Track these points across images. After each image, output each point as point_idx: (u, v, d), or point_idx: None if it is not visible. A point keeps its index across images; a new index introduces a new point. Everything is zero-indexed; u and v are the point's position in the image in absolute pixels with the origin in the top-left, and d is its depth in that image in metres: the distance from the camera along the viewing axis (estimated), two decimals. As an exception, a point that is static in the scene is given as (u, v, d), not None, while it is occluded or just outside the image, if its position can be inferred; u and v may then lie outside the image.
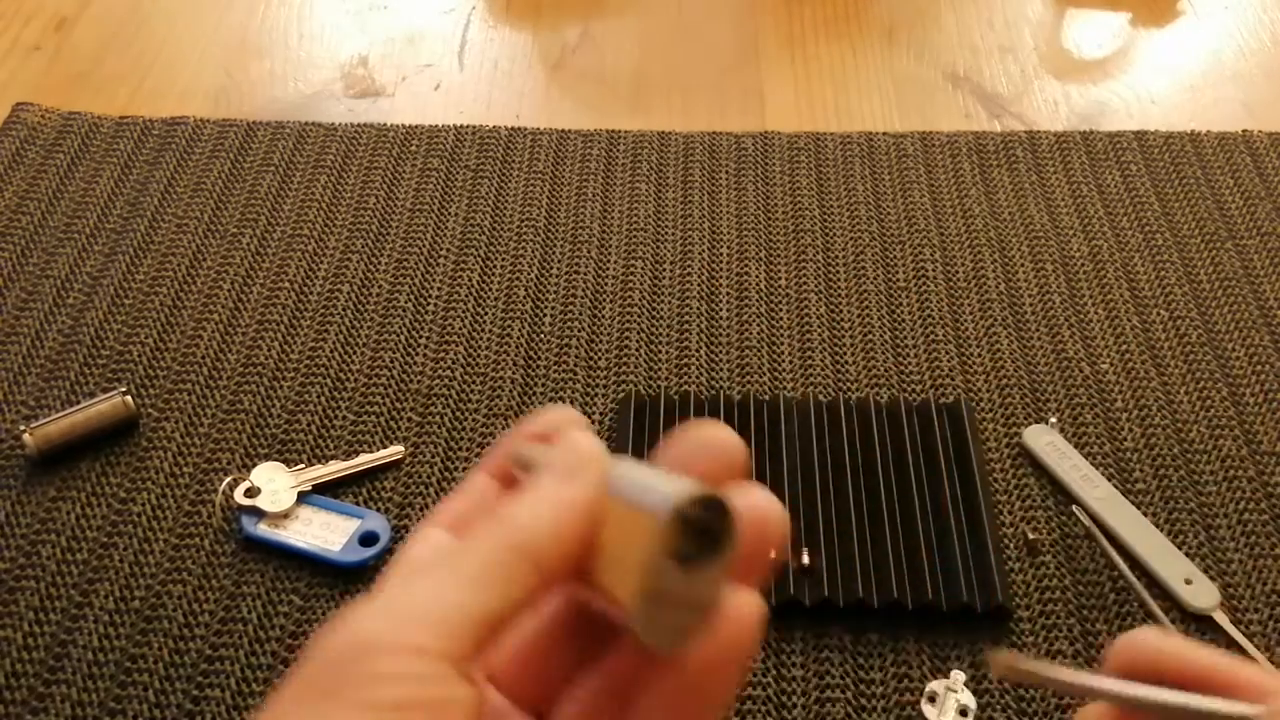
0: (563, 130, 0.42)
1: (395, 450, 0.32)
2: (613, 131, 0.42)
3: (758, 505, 0.15)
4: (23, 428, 0.31)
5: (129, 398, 0.32)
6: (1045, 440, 0.32)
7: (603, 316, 0.36)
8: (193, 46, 0.46)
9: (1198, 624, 0.28)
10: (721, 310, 0.36)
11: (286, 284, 0.37)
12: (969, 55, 0.46)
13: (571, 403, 0.33)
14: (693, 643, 0.14)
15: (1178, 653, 0.16)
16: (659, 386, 0.34)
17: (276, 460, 0.31)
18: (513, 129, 0.42)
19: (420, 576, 0.14)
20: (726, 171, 0.41)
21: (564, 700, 0.16)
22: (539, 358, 0.35)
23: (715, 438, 0.15)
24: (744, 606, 0.14)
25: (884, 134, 0.42)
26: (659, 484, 0.14)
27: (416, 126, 0.42)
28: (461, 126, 0.42)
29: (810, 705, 0.27)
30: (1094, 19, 0.48)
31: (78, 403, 0.32)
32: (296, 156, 0.41)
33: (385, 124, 0.42)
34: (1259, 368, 0.34)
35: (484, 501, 0.16)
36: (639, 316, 0.36)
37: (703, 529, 0.14)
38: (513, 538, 0.14)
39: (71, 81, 0.44)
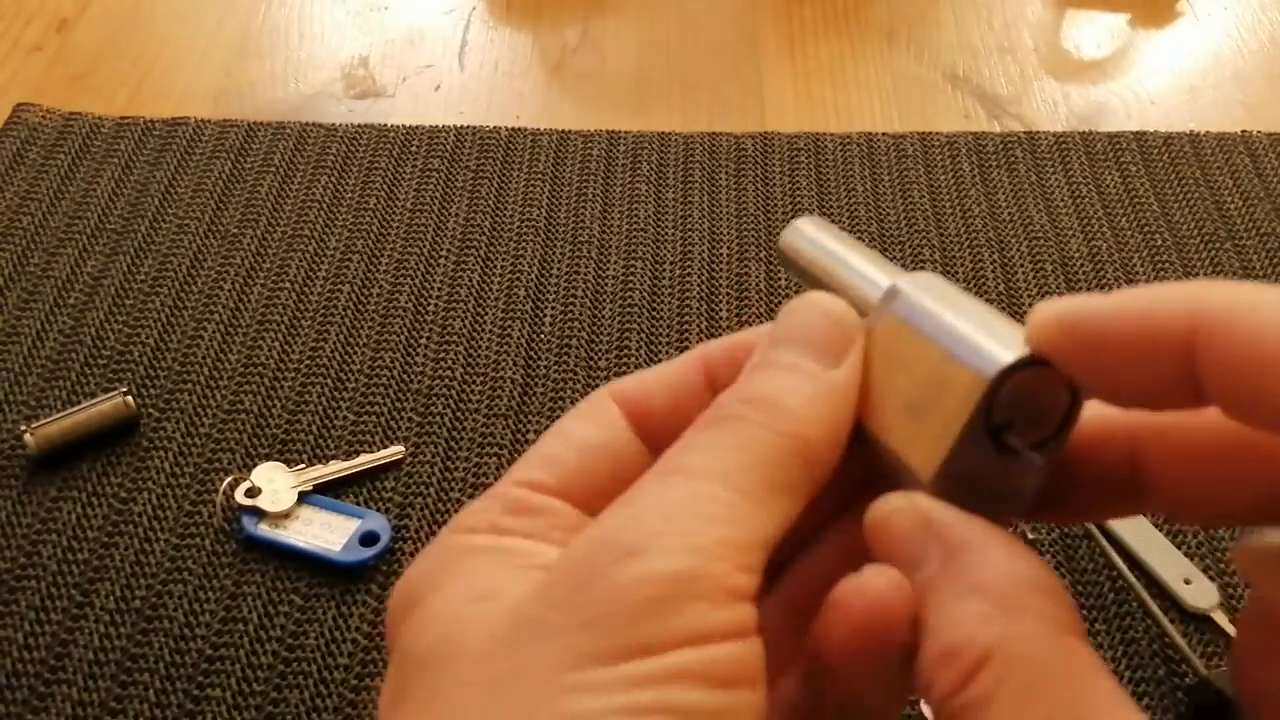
0: (563, 131, 0.42)
1: (395, 450, 0.32)
2: (613, 132, 0.42)
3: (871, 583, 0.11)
4: (24, 428, 0.31)
5: (130, 398, 0.32)
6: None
7: (603, 317, 0.36)
8: (193, 47, 0.46)
9: (1197, 624, 0.28)
10: (721, 311, 0.36)
11: (287, 284, 0.37)
12: (968, 56, 0.46)
13: (571, 403, 0.34)
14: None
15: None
16: (659, 386, 0.34)
17: (277, 460, 0.31)
18: (513, 129, 0.42)
19: (694, 483, 0.10)
20: (726, 172, 0.41)
21: (796, 563, 0.13)
22: (539, 358, 0.35)
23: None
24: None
25: (883, 134, 0.42)
26: (979, 329, 0.11)
27: (417, 127, 0.42)
28: (462, 127, 0.42)
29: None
30: (1093, 20, 0.48)
31: (78, 403, 0.32)
32: (297, 157, 0.41)
33: (385, 125, 0.42)
34: (1258, 368, 0.35)
35: (683, 399, 0.12)
36: (639, 317, 0.36)
37: (1031, 402, 0.11)
38: (786, 433, 0.11)
39: (72, 82, 0.44)
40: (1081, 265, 0.38)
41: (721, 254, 0.38)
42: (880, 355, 0.12)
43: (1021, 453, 0.11)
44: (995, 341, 0.11)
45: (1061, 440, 0.12)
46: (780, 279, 0.37)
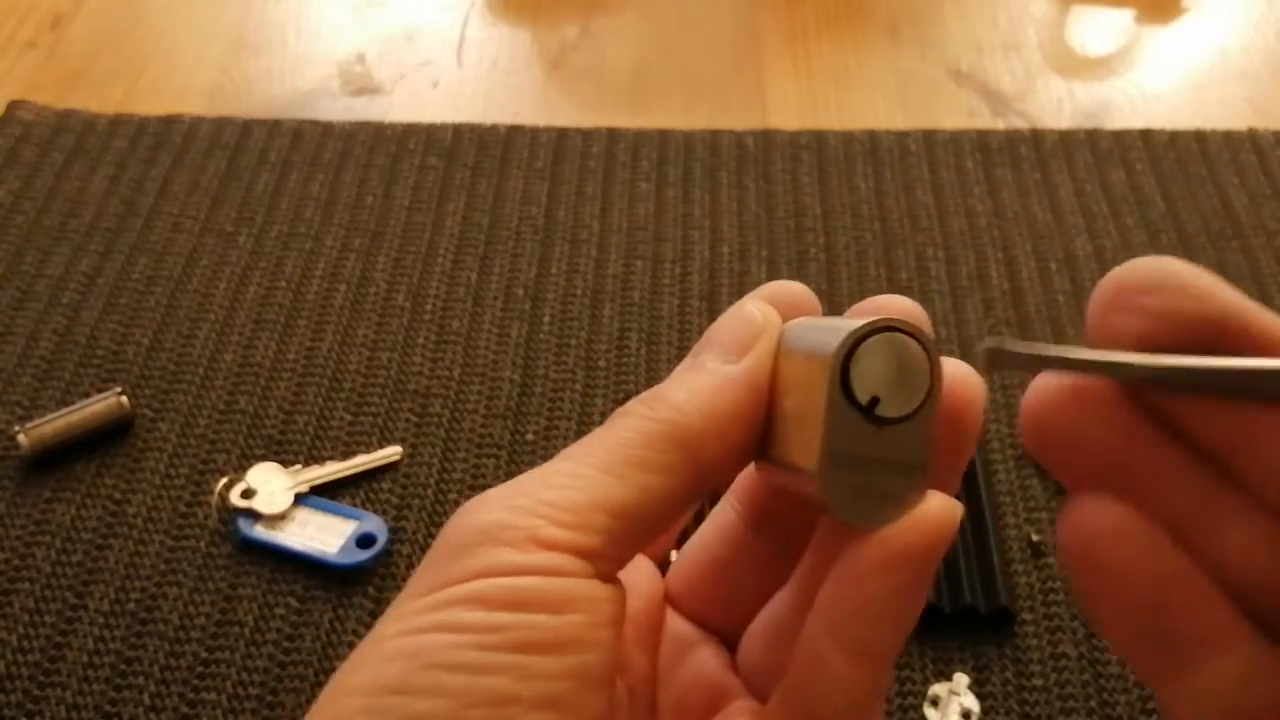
0: (562, 128, 0.42)
1: (392, 451, 0.31)
2: (612, 129, 0.42)
3: (952, 374, 0.12)
4: (17, 428, 0.31)
5: (124, 398, 0.32)
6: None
7: (602, 316, 0.36)
8: (188, 43, 0.46)
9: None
10: (723, 309, 0.36)
11: (283, 283, 0.36)
12: (972, 53, 0.46)
13: (570, 404, 0.33)
14: (895, 514, 0.12)
15: (1202, 292, 0.11)
16: (659, 387, 0.34)
17: (273, 461, 0.31)
18: (511, 127, 0.42)
19: (557, 461, 0.12)
20: (728, 169, 0.41)
21: (759, 616, 0.14)
22: (538, 357, 0.34)
23: (895, 304, 0.13)
24: (936, 502, 0.12)
25: (887, 132, 0.42)
26: (836, 325, 0.12)
27: (414, 124, 0.42)
28: (460, 124, 0.42)
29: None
30: (1098, 16, 0.48)
31: (72, 403, 0.32)
32: (293, 154, 0.41)
33: (383, 122, 0.42)
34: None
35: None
36: (639, 316, 0.36)
37: (892, 370, 0.11)
38: (660, 419, 0.12)
39: (67, 79, 0.44)
40: (1086, 263, 0.37)
41: (722, 253, 0.38)
42: (777, 392, 0.13)
43: (897, 422, 0.12)
44: (843, 327, 0.12)
45: (932, 401, 0.12)
46: (782, 277, 0.37)
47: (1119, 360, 0.11)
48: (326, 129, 0.41)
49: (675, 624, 0.15)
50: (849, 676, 0.12)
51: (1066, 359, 0.11)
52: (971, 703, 0.26)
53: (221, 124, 0.42)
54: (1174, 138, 0.41)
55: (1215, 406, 0.11)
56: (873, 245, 0.38)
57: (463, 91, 0.44)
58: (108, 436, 0.32)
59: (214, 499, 0.30)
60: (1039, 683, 0.27)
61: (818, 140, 0.41)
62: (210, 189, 0.39)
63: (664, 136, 0.41)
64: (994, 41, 0.46)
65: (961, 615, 0.28)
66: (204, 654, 0.27)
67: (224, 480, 0.30)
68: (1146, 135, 0.42)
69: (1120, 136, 0.42)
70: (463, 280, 0.37)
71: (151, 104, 0.43)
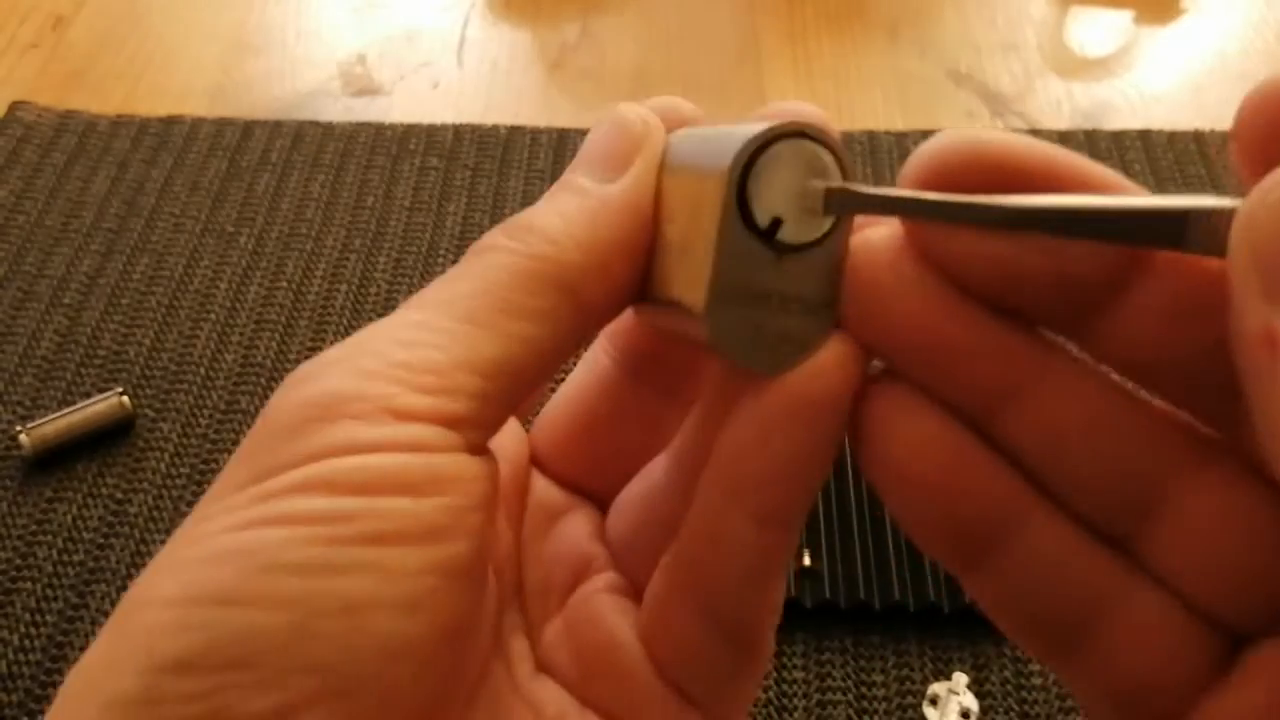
0: (562, 129, 0.42)
1: (393, 451, 0.31)
2: (613, 130, 0.42)
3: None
4: (19, 428, 0.31)
5: (125, 398, 0.32)
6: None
7: (602, 316, 0.36)
8: (189, 44, 0.46)
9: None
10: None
11: (284, 283, 0.37)
12: (971, 53, 0.46)
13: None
14: (798, 359, 0.10)
15: (1004, 148, 0.10)
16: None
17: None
18: (512, 128, 0.42)
19: (405, 311, 0.10)
20: (727, 170, 0.41)
21: (629, 486, 0.12)
22: (538, 358, 0.34)
23: (804, 107, 0.11)
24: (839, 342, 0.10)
25: (886, 132, 0.42)
26: (732, 132, 0.10)
27: (414, 125, 0.42)
28: (460, 125, 0.42)
29: (811, 708, 0.27)
30: (1097, 17, 0.48)
31: (74, 403, 0.32)
32: (294, 155, 0.41)
33: (383, 122, 0.42)
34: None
35: None
36: (639, 316, 0.36)
37: (798, 186, 0.10)
38: (532, 254, 0.10)
39: (68, 80, 0.44)
40: (1085, 264, 0.38)
41: (722, 253, 0.38)
42: (660, 219, 0.11)
43: (803, 249, 0.10)
44: (740, 134, 0.10)
45: (844, 225, 0.10)
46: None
47: (981, 202, 0.09)
48: (327, 130, 0.42)
49: (542, 488, 0.13)
50: (756, 543, 0.11)
51: (922, 201, 0.10)
52: (970, 702, 0.27)
53: (222, 125, 0.42)
54: (1172, 139, 0.42)
55: (1085, 254, 0.09)
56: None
57: (463, 92, 0.44)
58: (109, 436, 0.32)
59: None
60: (1038, 681, 0.27)
61: (817, 141, 0.41)
62: (211, 189, 0.40)
63: (664, 137, 0.42)
64: (993, 42, 0.46)
65: (961, 615, 0.28)
66: (205, 653, 0.27)
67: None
68: (1145, 136, 0.42)
69: (1119, 137, 0.42)
70: (463, 281, 0.37)
71: (153, 105, 0.43)
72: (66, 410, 0.31)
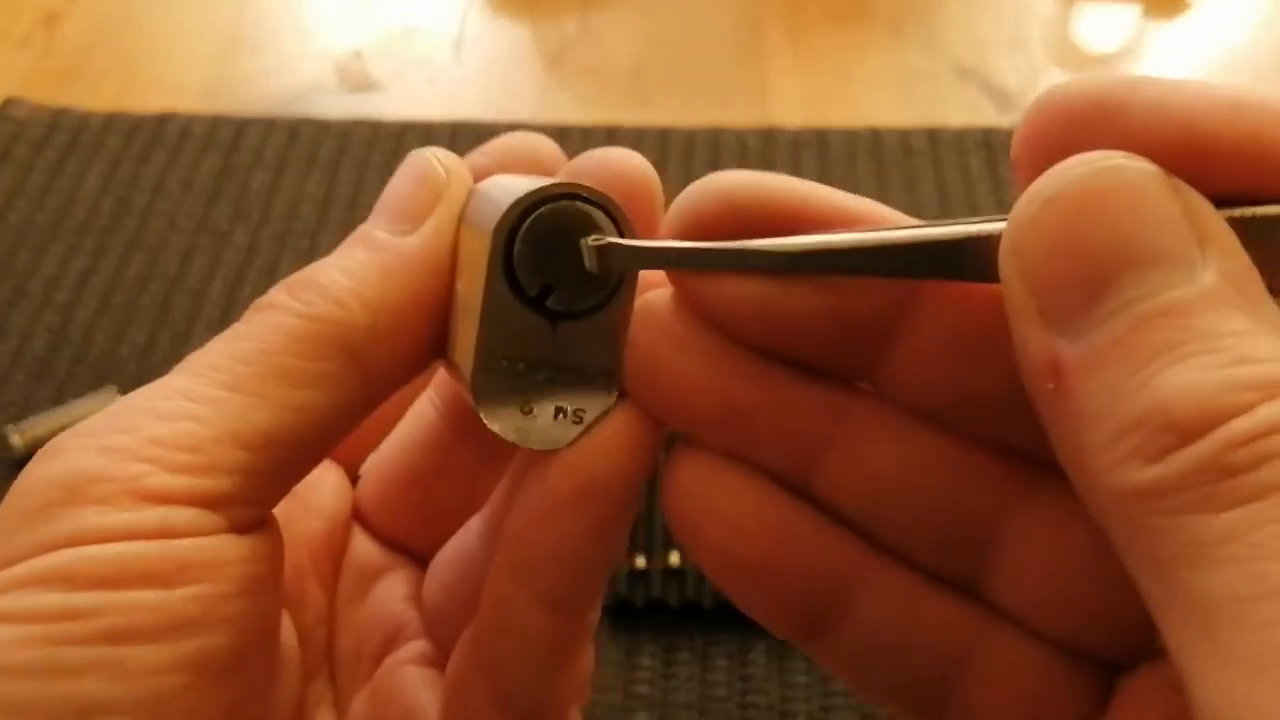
0: (561, 125, 0.41)
1: (390, 452, 0.31)
2: (612, 127, 0.41)
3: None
4: (10, 427, 0.31)
5: (119, 397, 0.31)
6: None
7: (602, 315, 0.35)
8: (183, 41, 0.46)
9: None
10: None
11: (279, 281, 0.36)
12: (976, 49, 0.45)
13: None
14: (574, 434, 0.09)
15: (762, 188, 0.09)
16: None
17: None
18: (510, 124, 0.41)
19: (171, 377, 0.10)
20: (729, 167, 0.40)
21: (445, 547, 0.12)
22: (537, 358, 0.34)
23: (617, 155, 0.10)
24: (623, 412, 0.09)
25: (890, 129, 0.41)
26: (513, 192, 0.09)
27: (412, 121, 0.41)
28: (458, 121, 0.41)
29: (814, 712, 0.26)
30: (1103, 12, 0.47)
31: (66, 402, 0.32)
32: (289, 152, 0.40)
33: (380, 119, 0.42)
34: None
35: None
36: (639, 315, 0.35)
37: (572, 251, 0.09)
38: (313, 314, 0.10)
39: (60, 77, 0.44)
40: (1091, 263, 0.37)
41: (723, 251, 0.37)
42: (454, 270, 0.10)
43: (578, 317, 0.09)
44: (515, 192, 0.09)
45: (625, 291, 0.10)
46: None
47: (748, 247, 0.09)
48: (323, 126, 0.41)
49: (362, 546, 0.12)
50: (545, 628, 0.10)
51: (688, 250, 0.09)
52: (976, 708, 0.26)
53: (216, 121, 0.41)
54: (1180, 135, 0.41)
55: (858, 291, 0.09)
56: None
57: (461, 88, 0.44)
58: (101, 437, 0.31)
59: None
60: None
61: (820, 137, 0.41)
62: (205, 186, 0.39)
63: (665, 134, 0.41)
64: (998, 38, 0.46)
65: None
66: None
67: (219, 482, 0.30)
68: (1152, 133, 0.41)
69: (1125, 134, 0.41)
70: (461, 279, 0.36)
71: (146, 101, 0.42)
72: (59, 409, 0.31)
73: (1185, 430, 0.08)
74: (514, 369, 0.09)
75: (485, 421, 0.10)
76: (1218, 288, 0.08)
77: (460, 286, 0.10)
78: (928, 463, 0.09)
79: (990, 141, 0.41)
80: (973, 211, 0.39)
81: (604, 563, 0.10)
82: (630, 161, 0.10)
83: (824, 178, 0.40)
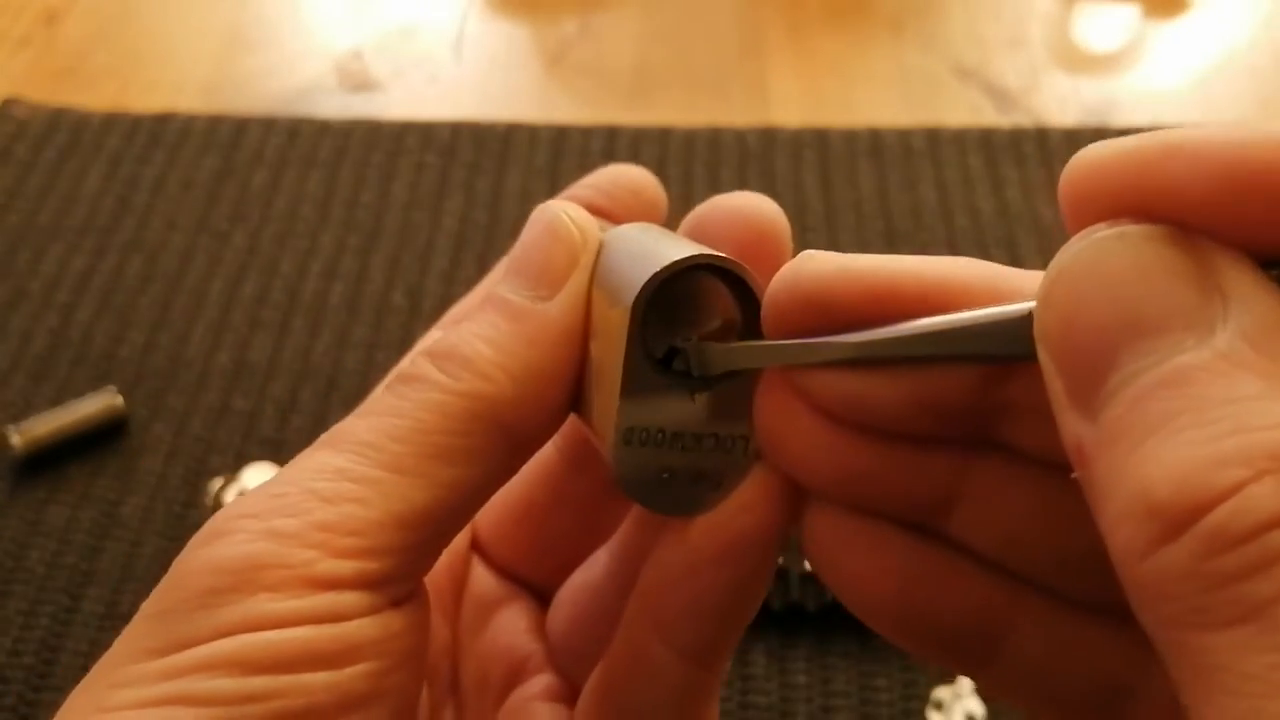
0: (561, 126, 0.41)
1: (390, 452, 0.31)
2: (612, 127, 0.41)
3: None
4: (10, 428, 0.31)
5: (118, 397, 0.31)
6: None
7: (602, 315, 0.35)
8: (183, 40, 0.46)
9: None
10: (723, 309, 0.36)
11: (279, 282, 0.36)
12: (976, 48, 0.45)
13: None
14: (712, 499, 0.10)
15: (847, 272, 0.09)
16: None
17: (269, 462, 0.31)
18: (510, 124, 0.41)
19: (327, 452, 0.10)
20: (729, 167, 0.40)
21: (571, 579, 0.12)
22: (537, 357, 0.34)
23: (746, 202, 0.10)
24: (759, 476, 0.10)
25: (890, 129, 0.41)
26: (650, 253, 0.10)
27: (412, 121, 0.41)
28: (458, 121, 0.41)
29: (814, 713, 0.26)
30: (1103, 12, 0.47)
31: (66, 403, 0.32)
32: (289, 152, 0.40)
33: (380, 119, 0.42)
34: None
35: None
36: (639, 315, 0.35)
37: (708, 321, 0.09)
38: (463, 390, 0.10)
39: (60, 76, 0.44)
40: (1091, 263, 0.37)
41: (723, 251, 0.37)
42: (589, 332, 0.10)
43: (715, 385, 0.10)
44: (653, 261, 0.09)
45: (745, 339, 0.10)
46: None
47: (818, 343, 0.09)
48: (323, 126, 0.41)
49: (481, 578, 0.12)
50: (678, 676, 0.10)
51: (772, 348, 0.09)
52: (976, 706, 0.26)
53: (216, 121, 0.41)
54: (1180, 135, 0.41)
55: (936, 374, 0.09)
56: (876, 243, 0.37)
57: (461, 88, 0.44)
58: (102, 436, 0.31)
59: (209, 500, 0.30)
60: (1044, 687, 0.27)
61: (820, 137, 0.41)
62: (205, 186, 0.39)
63: (665, 134, 0.41)
64: (998, 38, 0.46)
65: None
66: (199, 658, 0.27)
67: (219, 481, 0.30)
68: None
69: (1127, 134, 0.41)
70: (461, 279, 0.36)
71: (146, 101, 0.42)
72: (58, 410, 0.31)
73: (1169, 519, 0.07)
74: (653, 438, 0.10)
75: (627, 494, 0.10)
76: (1232, 348, 0.07)
77: (594, 349, 0.10)
78: (1058, 506, 0.09)
79: (990, 141, 0.41)
80: (972, 210, 0.39)
81: (744, 617, 0.11)
82: (760, 208, 0.10)
83: (824, 178, 0.40)
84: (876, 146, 0.41)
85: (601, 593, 0.12)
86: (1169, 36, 0.46)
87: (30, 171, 0.40)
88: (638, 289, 0.09)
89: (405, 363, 0.10)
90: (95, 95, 0.43)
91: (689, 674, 0.11)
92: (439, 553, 0.10)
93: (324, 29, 0.46)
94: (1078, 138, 0.41)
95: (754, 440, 0.10)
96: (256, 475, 0.30)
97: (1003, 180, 0.40)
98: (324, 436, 0.10)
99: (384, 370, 0.34)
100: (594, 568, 0.12)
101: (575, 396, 0.11)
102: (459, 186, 0.39)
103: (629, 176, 0.12)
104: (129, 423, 0.32)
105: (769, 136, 0.41)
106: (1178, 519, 0.07)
